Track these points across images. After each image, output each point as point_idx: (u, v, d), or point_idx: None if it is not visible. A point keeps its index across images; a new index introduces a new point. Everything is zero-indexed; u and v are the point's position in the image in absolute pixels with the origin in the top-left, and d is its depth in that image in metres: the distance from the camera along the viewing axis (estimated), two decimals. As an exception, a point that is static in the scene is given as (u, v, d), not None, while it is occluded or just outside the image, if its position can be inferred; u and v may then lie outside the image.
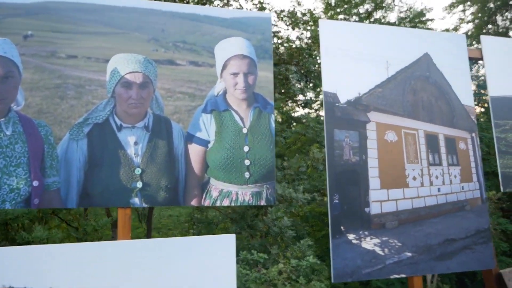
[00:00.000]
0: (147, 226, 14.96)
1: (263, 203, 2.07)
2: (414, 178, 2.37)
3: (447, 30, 17.76)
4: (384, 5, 16.41)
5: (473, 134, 2.56)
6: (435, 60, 2.55)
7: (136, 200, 1.90)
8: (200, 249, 1.94)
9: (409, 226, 2.31)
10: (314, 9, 16.54)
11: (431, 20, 17.19)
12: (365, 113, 2.35)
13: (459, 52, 2.62)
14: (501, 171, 2.53)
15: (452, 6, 17.85)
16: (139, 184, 1.91)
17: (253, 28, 2.20)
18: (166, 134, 1.99)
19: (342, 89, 2.33)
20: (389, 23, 16.28)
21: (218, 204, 2.02)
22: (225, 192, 2.03)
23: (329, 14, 17.29)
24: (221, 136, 2.06)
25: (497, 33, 16.90)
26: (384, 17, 17.30)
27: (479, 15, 16.71)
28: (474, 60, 2.69)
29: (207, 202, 2.00)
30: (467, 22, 17.66)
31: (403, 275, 2.26)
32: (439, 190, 2.41)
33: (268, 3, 10.87)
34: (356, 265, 2.18)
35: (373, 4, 16.48)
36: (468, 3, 16.98)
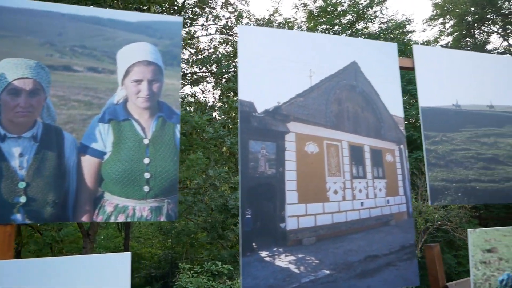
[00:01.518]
0: (125, 235, 14.62)
1: (163, 219, 1.94)
2: (336, 192, 2.26)
3: (427, 42, 18.00)
4: (365, 16, 16.55)
5: (401, 146, 2.47)
6: (363, 69, 2.46)
7: (18, 216, 1.76)
8: (92, 269, 1.80)
9: (328, 242, 2.20)
10: (296, 19, 16.66)
11: (412, 31, 17.41)
12: (284, 124, 2.24)
13: (389, 61, 2.54)
14: (429, 184, 2.44)
15: (432, 18, 18.11)
16: (23, 199, 1.77)
17: (161, 33, 2.09)
18: (56, 145, 1.85)
19: (260, 98, 2.22)
20: (370, 34, 16.41)
21: (112, 220, 1.88)
22: (121, 207, 1.90)
23: (312, 24, 17.40)
24: (118, 147, 1.93)
25: (475, 46, 17.15)
26: (367, 27, 17.45)
27: (457, 27, 16.94)
28: (406, 70, 2.61)
29: (99, 218, 1.86)
30: (447, 35, 17.92)
31: (320, 295, 2.13)
32: (362, 204, 2.30)
33: (247, 11, 10.86)
34: (268, 284, 2.05)
35: (355, 15, 16.61)
36: (448, 16, 17.23)
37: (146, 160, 1.95)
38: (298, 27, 15.05)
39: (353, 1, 16.75)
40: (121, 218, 1.89)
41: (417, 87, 2.56)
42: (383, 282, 2.24)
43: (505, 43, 17.13)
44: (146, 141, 1.97)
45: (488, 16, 16.33)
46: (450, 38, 17.79)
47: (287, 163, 2.20)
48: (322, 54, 2.39)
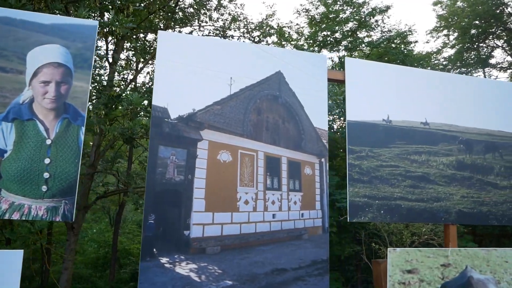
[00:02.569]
0: (114, 230, 14.71)
1: (58, 219, 1.95)
2: (246, 202, 2.25)
3: (429, 54, 17.79)
4: (367, 24, 16.43)
5: (323, 159, 2.44)
6: (289, 79, 2.45)
7: None
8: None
9: (233, 253, 2.18)
10: (297, 24, 16.62)
11: (415, 42, 17.22)
12: (198, 131, 2.24)
13: (318, 72, 2.52)
14: (349, 200, 2.41)
15: (436, 30, 17.89)
16: None
17: (74, 36, 2.11)
18: (-46, 142, 1.88)
19: (175, 104, 2.22)
20: (371, 43, 16.29)
21: (6, 217, 1.90)
22: (16, 205, 1.91)
23: (313, 30, 17.35)
24: (20, 146, 1.95)
25: (478, 60, 16.89)
26: (369, 36, 17.33)
27: (460, 40, 16.70)
28: (337, 82, 2.59)
29: (-8, 215, 1.88)
30: (451, 47, 17.68)
31: (220, 305, 2.12)
32: (274, 216, 2.28)
33: (241, 14, 10.89)
34: (166, 292, 2.05)
35: (356, 23, 16.51)
36: (452, 28, 17.01)
37: (47, 160, 1.97)
38: (296, 33, 15.04)
39: (355, 9, 16.65)
40: (15, 216, 1.90)
41: (346, 100, 2.53)
42: (289, 297, 2.21)
43: (509, 58, 16.84)
44: (48, 142, 1.99)
45: (493, 30, 16.08)
46: (453, 51, 17.57)
47: (197, 171, 2.19)
48: (245, 63, 2.38)
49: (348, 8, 16.57)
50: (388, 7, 16.76)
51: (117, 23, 5.01)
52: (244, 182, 2.25)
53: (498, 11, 15.56)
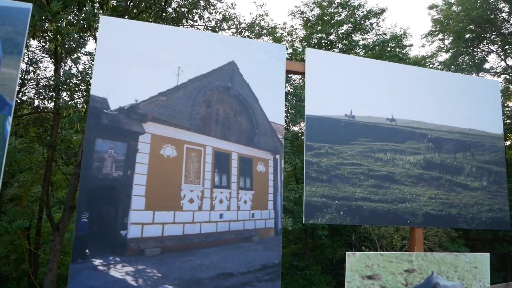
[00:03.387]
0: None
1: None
2: (191, 201, 2.08)
3: (423, 57, 17.69)
4: (362, 27, 16.32)
5: (278, 156, 2.29)
6: (243, 70, 2.29)
7: None
8: None
9: (175, 255, 2.02)
10: (291, 26, 16.49)
11: (410, 46, 17.13)
12: (140, 123, 2.08)
13: (276, 64, 2.37)
14: (305, 200, 2.25)
15: (431, 34, 17.79)
16: None
17: (4, 19, 1.96)
18: None
19: (116, 94, 2.06)
20: (366, 46, 16.17)
21: None
22: None
23: (308, 32, 17.23)
24: None
25: (473, 64, 16.78)
26: (364, 39, 17.22)
27: (454, 43, 16.59)
28: (297, 75, 2.43)
29: None
30: (445, 51, 17.56)
31: (159, 312, 1.95)
32: (221, 216, 2.12)
33: (234, 14, 10.76)
34: (97, 297, 1.88)
35: (351, 26, 16.39)
36: (447, 32, 16.90)
37: (-34, 152, 1.81)
38: (288, 34, 14.88)
39: (350, 11, 16.54)
40: None
41: (305, 93, 2.38)
42: (236, 303, 2.05)
43: (503, 63, 16.72)
44: (-31, 132, 1.83)
45: (487, 35, 15.97)
46: (448, 55, 17.44)
47: (138, 166, 2.03)
48: (195, 52, 2.23)
49: (343, 10, 16.46)
50: (383, 10, 16.69)
51: (93, 17, 4.85)
52: (189, 179, 2.09)
53: (492, 16, 15.47)
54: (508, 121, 16.43)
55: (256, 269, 2.11)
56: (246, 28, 10.17)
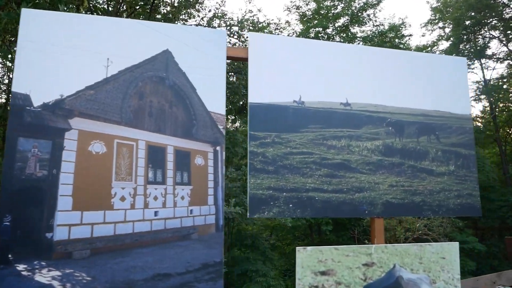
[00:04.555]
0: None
1: None
2: (123, 199, 1.96)
3: (424, 46, 17.26)
4: (359, 19, 16.03)
5: (218, 147, 2.15)
6: (179, 59, 2.16)
7: None
8: None
9: (106, 257, 1.90)
10: (287, 22, 16.30)
11: (409, 36, 16.78)
12: (66, 119, 1.97)
13: (215, 50, 2.23)
14: (250, 193, 2.11)
15: (430, 22, 17.37)
16: None
17: None
18: None
19: (39, 89, 1.95)
20: (365, 38, 15.87)
21: None
22: None
23: (305, 26, 16.99)
24: None
25: (474, 51, 16.34)
26: (363, 31, 16.93)
27: (454, 30, 16.17)
28: (238, 61, 2.30)
29: None
30: (446, 40, 17.14)
31: (88, 318, 1.84)
32: (156, 214, 2.00)
33: (225, 12, 10.63)
34: (21, 304, 1.78)
35: (348, 18, 16.10)
36: (448, 21, 16.49)
37: None
38: (278, 29, 14.64)
39: (346, 3, 16.25)
40: None
41: (249, 80, 2.24)
42: (174, 306, 1.92)
43: (505, 49, 16.22)
44: None
45: (487, 21, 15.49)
46: (449, 43, 17.01)
47: (64, 164, 1.92)
48: (127, 42, 2.10)
49: (340, 3, 16.14)
50: (379, 0, 16.33)
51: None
52: (120, 176, 1.97)
53: (492, 1, 15.02)
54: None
55: (196, 268, 1.98)
56: (236, 25, 10.03)
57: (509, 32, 15.61)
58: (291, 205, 2.16)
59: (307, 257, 2.13)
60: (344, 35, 16.42)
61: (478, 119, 19.20)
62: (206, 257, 2.00)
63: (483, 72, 17.40)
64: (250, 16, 11.24)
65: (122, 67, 2.07)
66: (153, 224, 1.98)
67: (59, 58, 2.01)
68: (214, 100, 2.17)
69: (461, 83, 2.67)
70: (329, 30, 16.31)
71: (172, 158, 2.06)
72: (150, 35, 2.15)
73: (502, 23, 15.67)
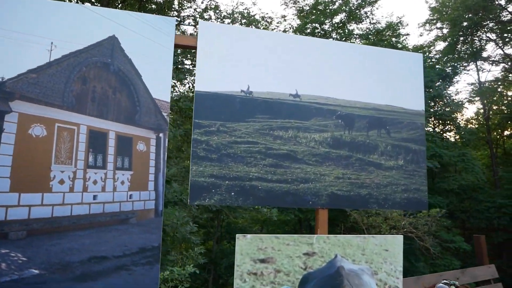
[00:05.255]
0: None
1: None
2: (62, 182, 1.99)
3: (421, 46, 17.19)
4: (357, 16, 15.99)
5: (161, 134, 2.17)
6: (125, 45, 2.18)
7: None
8: None
9: (42, 238, 1.93)
10: (283, 16, 16.27)
11: (406, 35, 16.76)
12: (7, 102, 1.99)
13: (164, 38, 2.25)
14: (191, 180, 2.13)
15: (428, 22, 17.32)
16: None
17: None
18: None
19: (-19, 72, 1.97)
20: (362, 35, 15.83)
21: None
22: None
23: (303, 22, 16.94)
24: None
25: (471, 53, 16.30)
26: (360, 28, 16.89)
27: (451, 31, 16.13)
28: (186, 49, 2.31)
29: None
30: (444, 40, 17.08)
31: (22, 297, 1.87)
32: (95, 197, 2.02)
33: (218, 2, 10.60)
34: (-46, 282, 1.81)
35: (346, 15, 16.06)
36: (446, 22, 16.44)
37: None
38: (276, 25, 14.61)
39: (344, 0, 16.20)
40: None
41: (196, 68, 2.25)
42: (109, 288, 1.96)
43: (501, 52, 16.19)
44: None
45: (484, 23, 15.44)
46: (446, 44, 16.94)
47: (3, 147, 1.94)
48: (72, 27, 2.12)
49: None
50: (377, -2, 16.23)
51: None
52: (60, 160, 1.99)
53: (489, 3, 14.96)
54: (507, 110, 16.00)
55: (133, 252, 2.01)
56: (227, 16, 10.02)
57: (506, 35, 15.57)
58: (233, 193, 2.19)
59: (246, 245, 2.16)
60: (341, 31, 16.38)
61: (472, 120, 19.23)
62: (144, 242, 2.03)
63: (478, 74, 17.39)
64: (243, 9, 11.21)
65: (66, 52, 2.08)
66: (92, 207, 2.00)
67: (0, 41, 2.02)
68: (160, 87, 2.18)
69: (416, 79, 2.68)
70: (326, 26, 16.29)
71: (113, 144, 2.09)
72: (97, 20, 2.16)
73: (499, 26, 15.64)
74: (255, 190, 2.23)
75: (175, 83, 9.72)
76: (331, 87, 2.48)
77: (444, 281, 2.20)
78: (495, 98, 16.78)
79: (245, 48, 2.37)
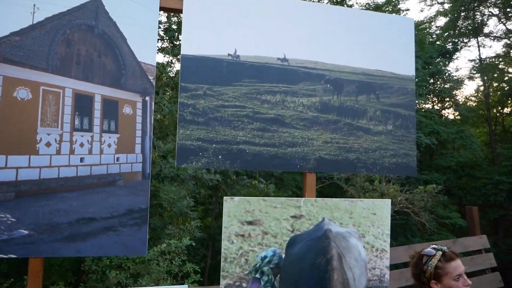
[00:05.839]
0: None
1: None
2: (48, 144, 2.00)
3: (422, 22, 16.89)
4: (355, -11, 15.64)
5: (147, 98, 2.17)
6: (110, 8, 2.14)
7: None
8: None
9: (30, 200, 1.95)
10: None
11: (406, 10, 16.45)
12: (-9, 65, 1.97)
13: (148, 1, 2.21)
14: (178, 143, 2.14)
15: (429, -3, 16.96)
16: None
17: None
18: None
19: (-37, 34, 1.95)
20: (360, 9, 15.52)
21: None
22: None
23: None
24: None
25: (472, 28, 16.02)
26: (359, 3, 16.57)
27: (452, 6, 15.80)
28: (171, 12, 2.28)
29: None
30: (445, 16, 16.77)
31: (13, 256, 1.91)
32: (82, 160, 2.04)
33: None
34: None
35: (346, -12, 15.70)
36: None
37: None
38: None
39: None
40: None
41: (182, 31, 2.23)
42: (98, 248, 2.00)
43: (503, 27, 15.90)
44: None
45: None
46: (447, 19, 16.65)
47: (-12, 109, 1.94)
48: (55, -12, 2.08)
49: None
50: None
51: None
52: (46, 122, 2.00)
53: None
54: (507, 87, 15.86)
55: (121, 214, 2.04)
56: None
57: (509, 10, 15.26)
58: (220, 157, 2.20)
59: (234, 207, 2.19)
60: (339, 5, 16.03)
61: (471, 97, 19.11)
62: (131, 203, 2.06)
63: (479, 50, 17.17)
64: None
65: (49, 15, 2.05)
66: (79, 170, 2.02)
67: (-17, 3, 1.99)
68: (145, 50, 2.16)
69: (407, 44, 2.65)
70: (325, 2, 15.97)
71: (99, 107, 2.08)
72: (80, -18, 2.12)
73: (502, 0, 15.31)
74: (242, 154, 2.24)
75: (172, 60, 9.60)
76: (319, 51, 2.45)
77: (433, 246, 2.23)
78: (495, 75, 16.61)
79: (233, 11, 2.33)
